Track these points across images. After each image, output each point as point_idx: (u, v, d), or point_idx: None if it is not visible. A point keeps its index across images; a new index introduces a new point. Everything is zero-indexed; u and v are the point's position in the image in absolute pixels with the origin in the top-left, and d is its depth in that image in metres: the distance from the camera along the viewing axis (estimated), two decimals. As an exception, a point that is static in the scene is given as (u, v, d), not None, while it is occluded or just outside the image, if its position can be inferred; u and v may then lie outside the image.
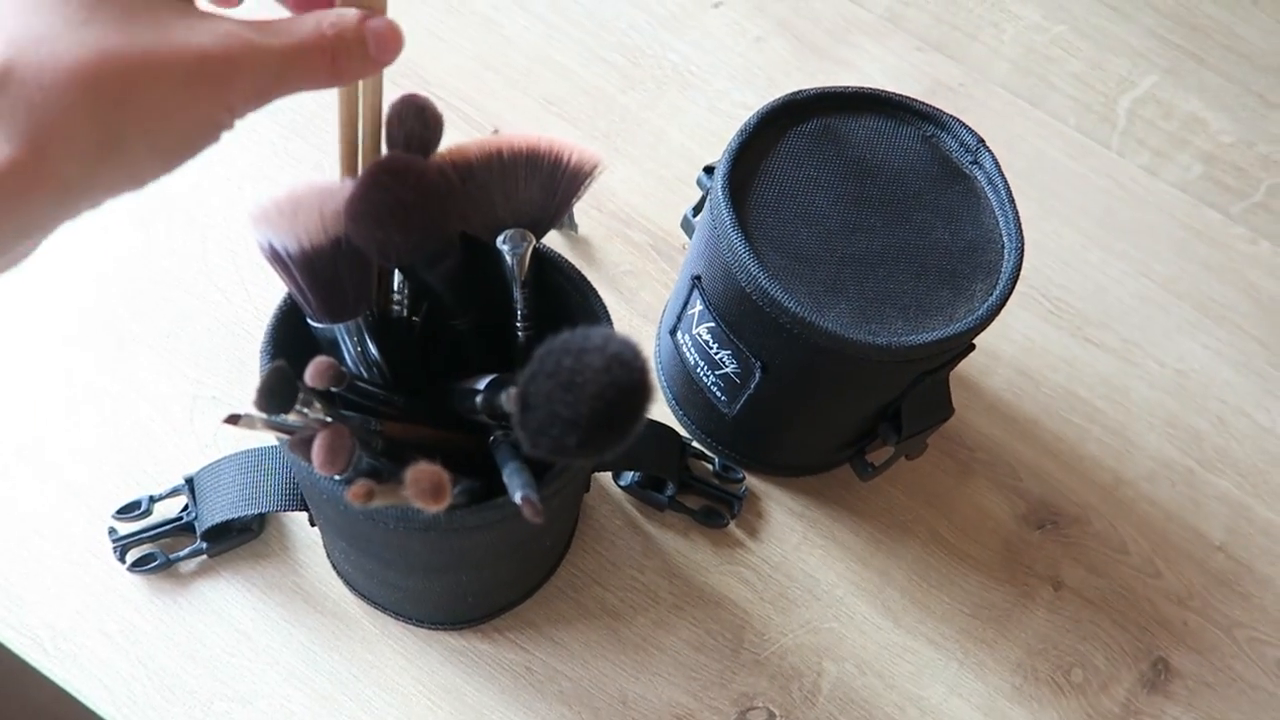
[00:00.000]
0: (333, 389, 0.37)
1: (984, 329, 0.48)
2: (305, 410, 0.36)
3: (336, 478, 0.38)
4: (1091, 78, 0.77)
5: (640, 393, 0.30)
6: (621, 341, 0.30)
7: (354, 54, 0.31)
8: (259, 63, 0.29)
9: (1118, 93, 0.76)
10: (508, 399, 0.32)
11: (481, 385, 0.43)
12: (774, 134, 0.51)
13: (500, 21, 0.74)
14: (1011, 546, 0.61)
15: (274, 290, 0.60)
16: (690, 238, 0.62)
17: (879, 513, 0.61)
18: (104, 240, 0.61)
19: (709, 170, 0.59)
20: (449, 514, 0.38)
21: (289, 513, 0.54)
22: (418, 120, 0.38)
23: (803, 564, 0.58)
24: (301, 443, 0.37)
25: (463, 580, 0.47)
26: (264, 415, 0.35)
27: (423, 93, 0.66)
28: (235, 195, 0.64)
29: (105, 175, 0.27)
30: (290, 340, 0.42)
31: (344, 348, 0.42)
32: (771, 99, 0.64)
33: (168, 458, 0.55)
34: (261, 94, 0.29)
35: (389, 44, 0.31)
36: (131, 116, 0.27)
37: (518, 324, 0.44)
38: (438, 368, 0.46)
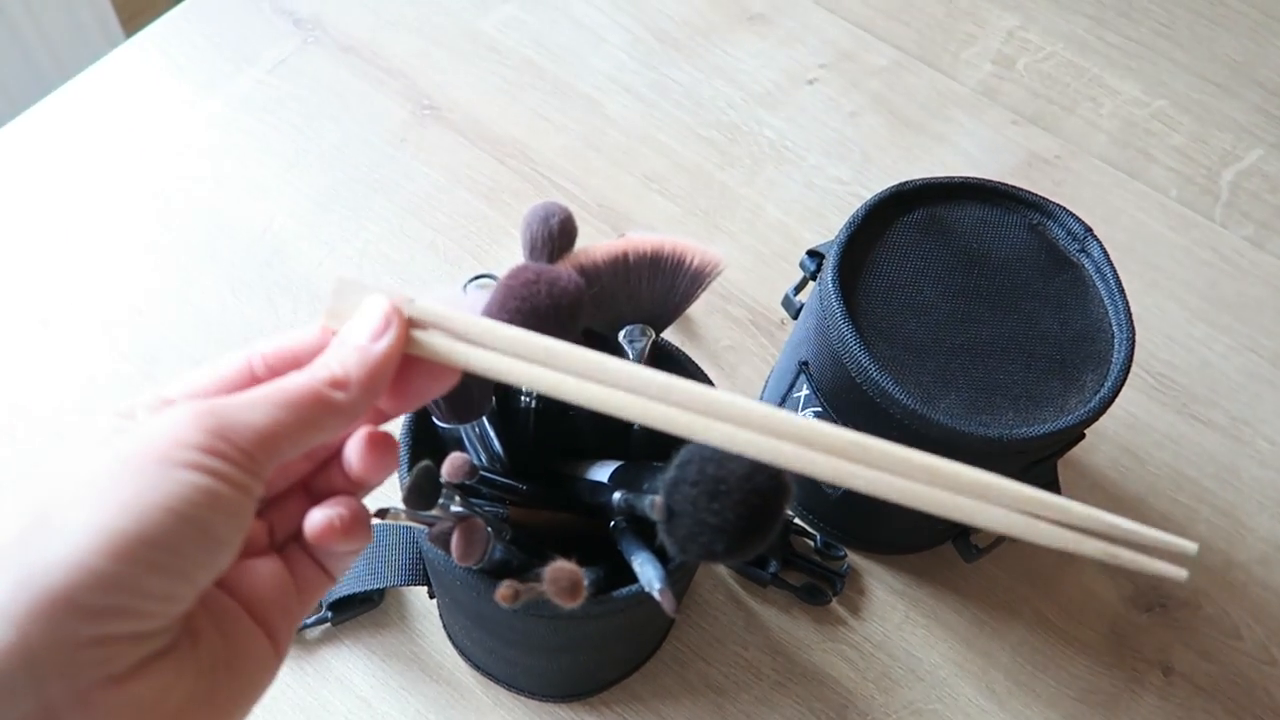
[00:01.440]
0: (465, 481, 0.39)
1: (1096, 420, 0.48)
2: (444, 503, 0.39)
3: (472, 567, 0.40)
4: (1193, 151, 0.76)
5: (782, 497, 0.32)
6: (759, 467, 0.32)
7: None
8: None
9: (1221, 165, 0.76)
10: (651, 508, 0.33)
11: (603, 474, 0.45)
12: (881, 224, 0.52)
13: (603, 102, 0.77)
14: (1119, 630, 0.60)
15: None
16: (791, 316, 0.63)
17: (982, 593, 0.61)
18: (228, 317, 0.65)
19: (812, 254, 0.60)
20: (588, 603, 0.39)
21: (410, 587, 0.56)
22: (554, 227, 0.40)
23: (905, 643, 0.59)
24: (440, 535, 0.40)
25: (580, 659, 0.49)
26: (410, 512, 0.38)
27: (529, 171, 0.69)
28: (343, 269, 0.68)
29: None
30: (422, 438, 0.44)
31: (468, 443, 0.44)
32: (865, 174, 0.65)
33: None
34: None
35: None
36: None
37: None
38: (554, 454, 0.48)
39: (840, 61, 0.82)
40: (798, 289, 0.63)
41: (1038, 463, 0.50)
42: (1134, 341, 0.50)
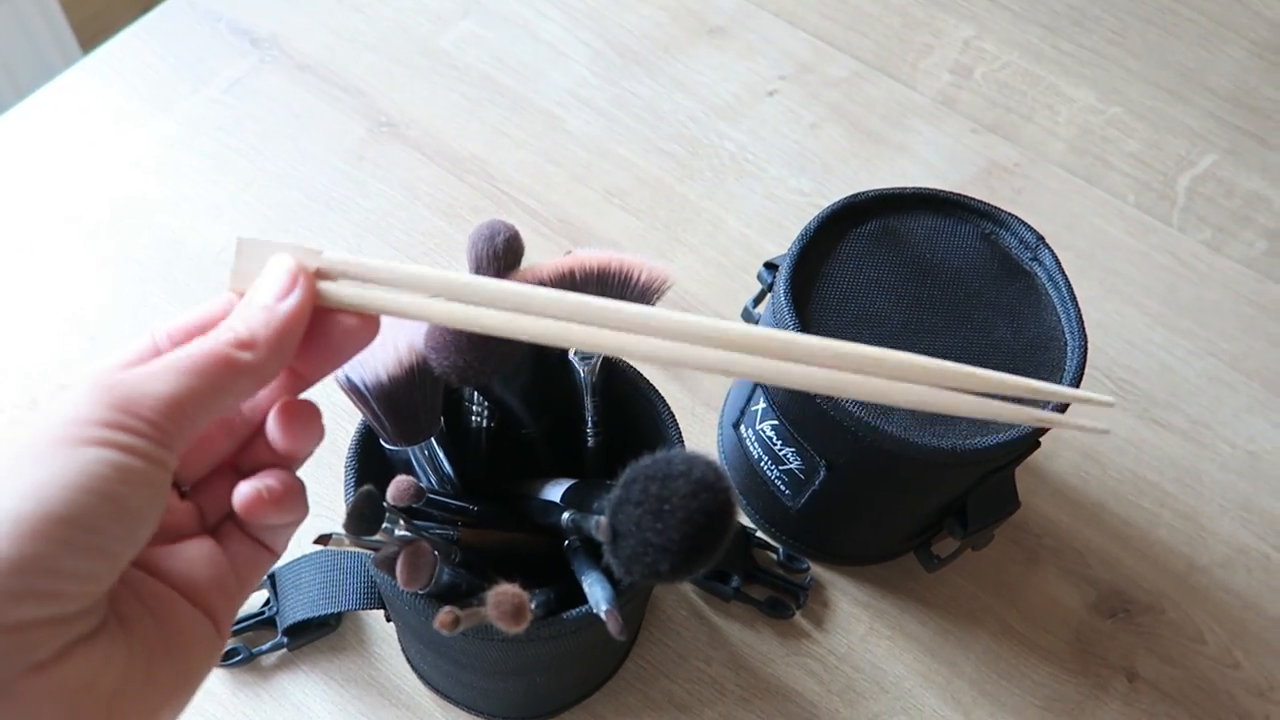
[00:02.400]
0: (411, 504, 0.39)
1: (1049, 429, 0.48)
2: (389, 527, 0.38)
3: (419, 592, 0.39)
4: (1149, 156, 0.77)
5: (727, 515, 0.32)
6: (705, 464, 0.32)
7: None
8: None
9: (1176, 171, 0.76)
10: (597, 528, 0.33)
11: (556, 492, 0.44)
12: (834, 236, 0.52)
13: (563, 117, 0.76)
14: (1083, 636, 0.60)
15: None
16: (751, 328, 0.63)
17: (946, 603, 0.60)
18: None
19: (770, 266, 0.60)
20: (529, 627, 0.39)
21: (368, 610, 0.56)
22: (499, 246, 0.40)
23: (870, 655, 0.58)
24: (386, 560, 0.39)
25: (537, 681, 0.48)
26: (352, 536, 0.37)
27: (488, 187, 0.68)
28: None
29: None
30: (369, 460, 0.44)
31: (417, 465, 0.44)
32: (826, 185, 0.65)
33: (250, 552, 0.58)
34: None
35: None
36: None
37: (588, 430, 0.45)
38: (507, 473, 0.48)
39: (800, 73, 0.82)
40: (756, 301, 0.62)
41: (995, 472, 0.50)
42: (1086, 349, 0.50)
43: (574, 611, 0.40)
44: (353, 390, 0.39)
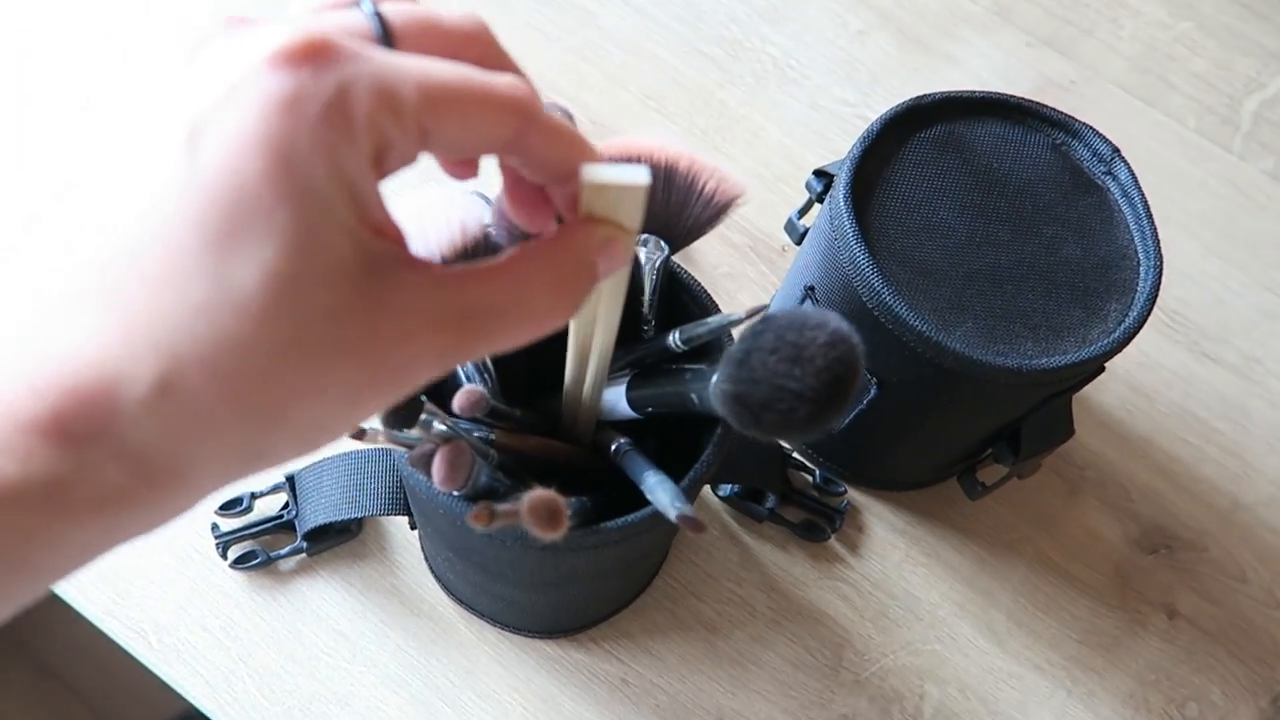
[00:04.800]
0: (477, 415, 0.37)
1: (1119, 352, 0.45)
2: (427, 421, 0.36)
3: (455, 493, 0.37)
4: (1215, 78, 0.73)
5: (859, 368, 0.31)
6: (838, 319, 0.31)
7: (580, 289, 0.26)
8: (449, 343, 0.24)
9: (1244, 94, 0.72)
10: (722, 375, 0.32)
11: (611, 395, 0.42)
12: (897, 141, 0.49)
13: (598, 13, 0.72)
14: (1123, 571, 0.59)
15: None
16: (794, 241, 0.60)
17: (984, 531, 0.59)
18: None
19: (819, 174, 0.57)
20: (570, 535, 0.37)
21: (389, 517, 0.54)
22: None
23: (904, 582, 0.57)
24: (421, 458, 0.37)
25: (569, 595, 0.46)
26: (390, 432, 0.35)
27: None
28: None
29: (242, 476, 0.24)
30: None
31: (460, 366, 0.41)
32: (871, 96, 0.61)
33: (267, 454, 0.55)
34: (449, 364, 0.25)
35: (618, 258, 0.27)
36: (280, 436, 0.23)
37: (645, 327, 0.43)
38: (548, 378, 0.45)
39: (848, -24, 0.77)
40: (802, 212, 0.59)
41: (1055, 395, 0.48)
42: (1161, 270, 0.47)
43: (620, 520, 0.37)
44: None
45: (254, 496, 0.53)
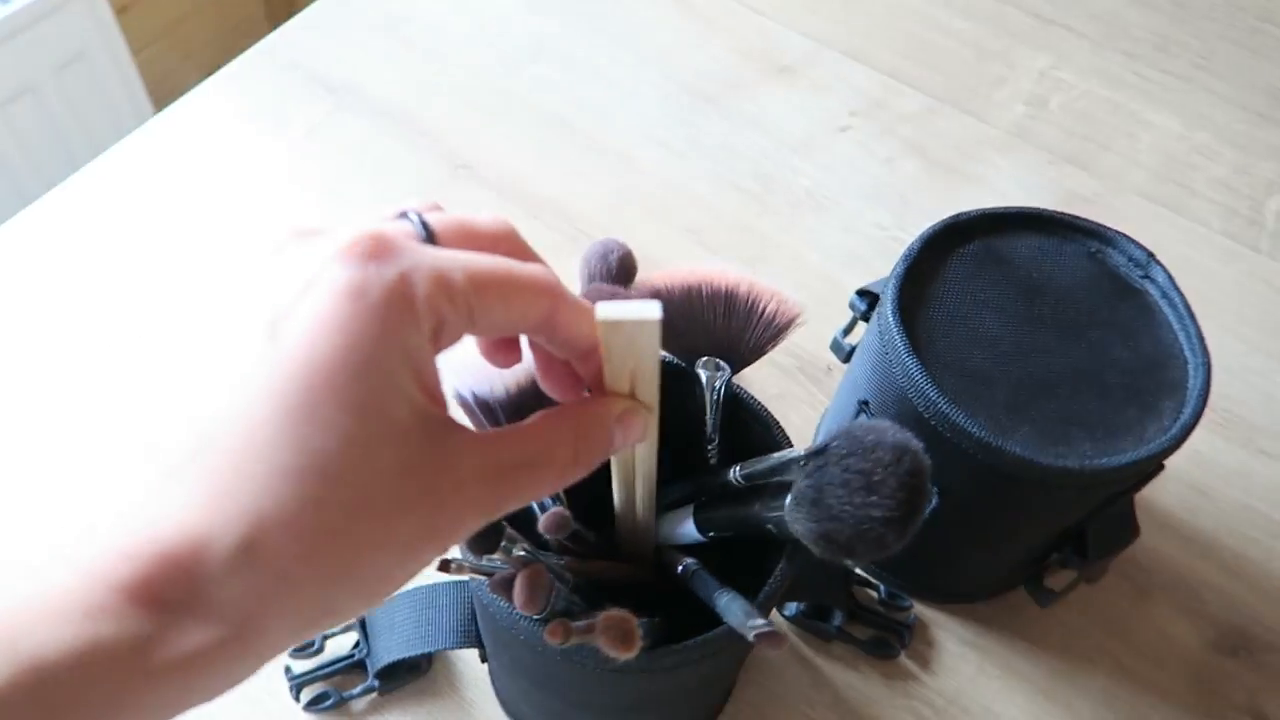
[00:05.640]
0: (559, 537, 0.38)
1: (1178, 448, 0.46)
2: (507, 547, 0.37)
3: (535, 617, 0.38)
4: (1236, 182, 0.75)
5: (927, 472, 0.32)
6: (892, 428, 0.32)
7: (597, 449, 0.30)
8: (494, 497, 0.27)
9: (1265, 195, 0.75)
10: (796, 513, 0.33)
11: (677, 523, 0.43)
12: (937, 257, 0.51)
13: (636, 157, 0.76)
14: (1202, 677, 0.57)
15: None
16: (841, 359, 0.62)
17: (1056, 640, 0.58)
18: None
19: (862, 293, 0.59)
20: (645, 656, 0.37)
21: (458, 654, 0.54)
22: (613, 263, 0.39)
23: (980, 697, 0.56)
24: (501, 583, 0.38)
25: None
26: (472, 560, 0.36)
27: (565, 226, 0.68)
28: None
29: (310, 634, 0.26)
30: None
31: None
32: (904, 218, 0.63)
33: (337, 592, 0.56)
34: (489, 516, 0.28)
35: (634, 431, 0.31)
36: (350, 588, 0.25)
37: (709, 448, 0.44)
38: (607, 491, 0.47)
39: (871, 109, 0.82)
40: (847, 331, 0.61)
41: (1118, 495, 0.48)
42: (1210, 366, 0.48)
43: (697, 639, 0.38)
44: (478, 405, 0.38)
45: (326, 637, 0.54)
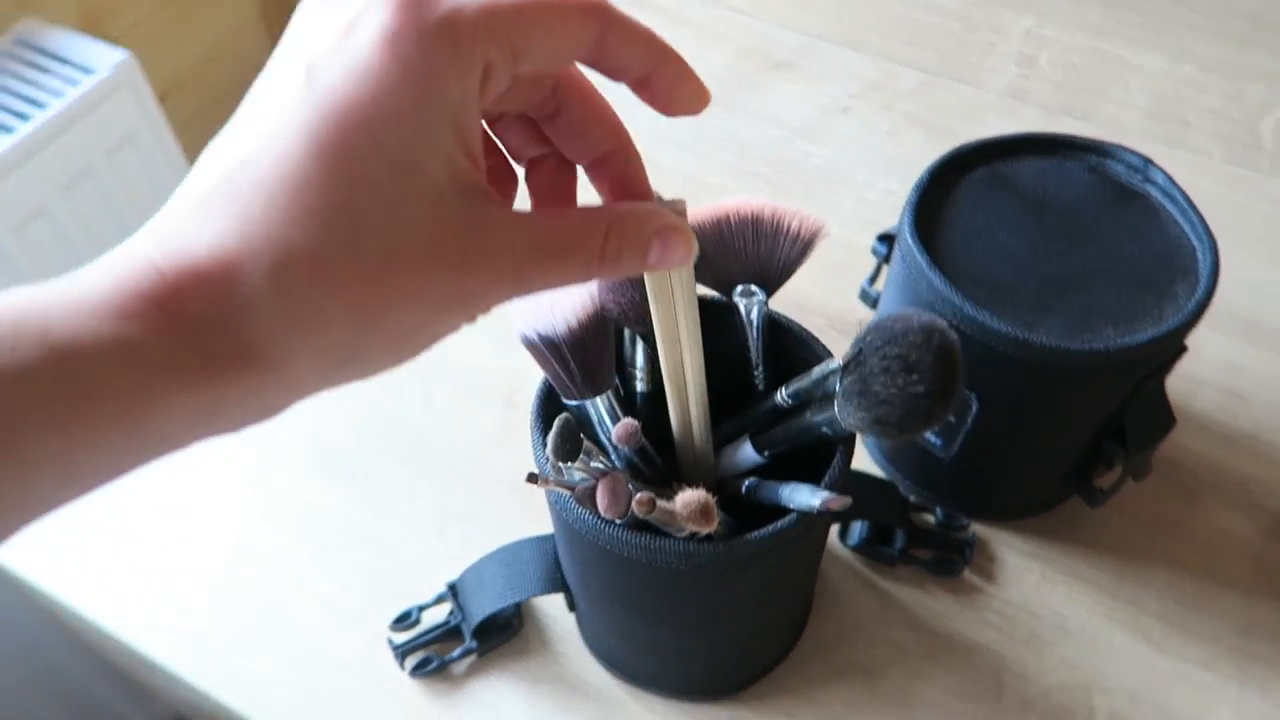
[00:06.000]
0: (625, 447, 0.41)
1: (1195, 324, 0.49)
2: (586, 461, 0.40)
3: (617, 521, 0.41)
4: (1229, 109, 0.79)
5: (955, 341, 0.36)
6: (915, 312, 0.36)
7: (629, 249, 0.29)
8: (529, 268, 0.27)
9: (1259, 117, 0.78)
10: (847, 409, 0.37)
11: (743, 447, 0.46)
12: (946, 187, 0.55)
13: (654, 159, 0.80)
14: (1264, 563, 0.59)
15: (490, 416, 0.66)
16: (870, 307, 0.65)
17: (1114, 545, 0.60)
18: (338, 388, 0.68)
19: (882, 238, 0.62)
20: (724, 547, 0.40)
21: (545, 611, 0.57)
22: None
23: (1046, 602, 0.58)
24: (585, 493, 0.41)
25: (727, 635, 0.49)
26: (558, 462, 0.39)
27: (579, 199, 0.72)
28: (445, 344, 0.71)
29: (337, 380, 0.27)
30: (549, 415, 0.46)
31: (596, 421, 0.46)
32: (914, 180, 0.68)
33: (424, 573, 0.60)
34: (514, 293, 0.28)
35: (673, 252, 0.30)
36: (379, 338, 0.26)
37: (755, 372, 0.47)
38: (666, 432, 0.50)
39: (869, 91, 0.86)
40: (873, 279, 0.65)
41: (1146, 379, 0.51)
42: (1217, 249, 0.51)
43: (770, 526, 0.41)
44: (544, 342, 0.42)
45: (421, 609, 0.57)
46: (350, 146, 0.24)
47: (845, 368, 0.39)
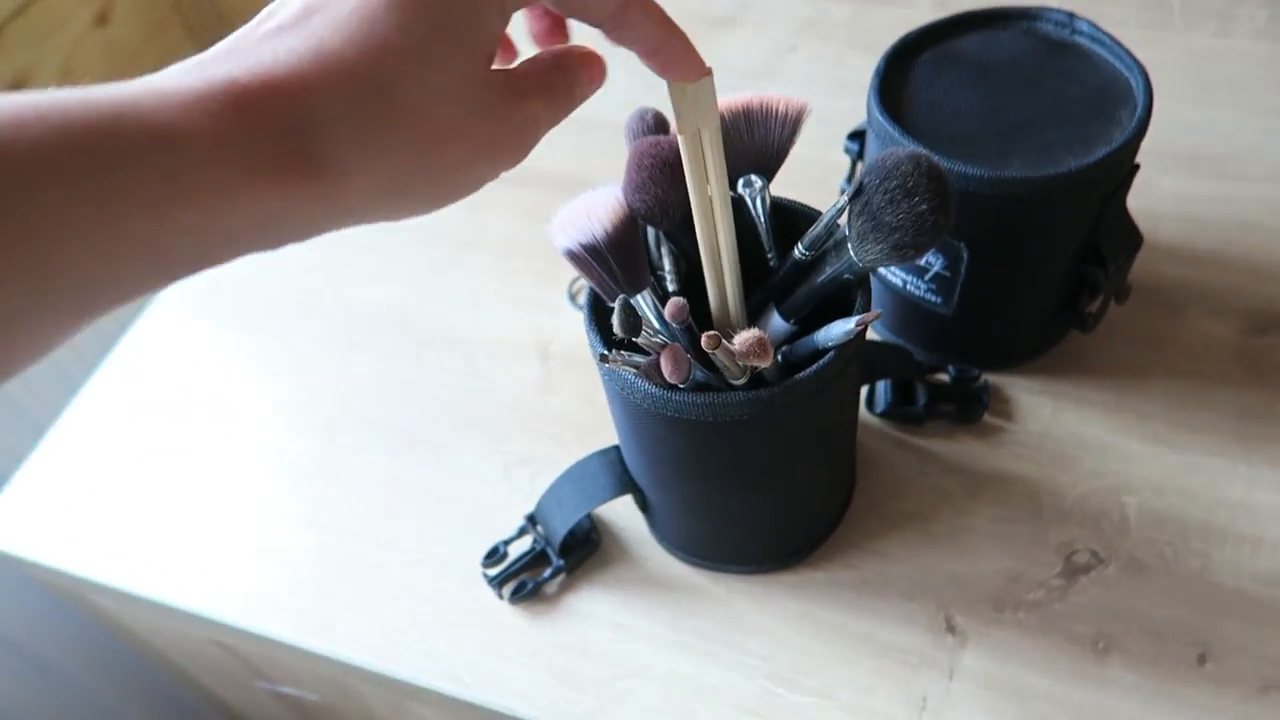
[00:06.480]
0: (676, 324, 0.47)
1: (1141, 140, 0.55)
2: (648, 336, 0.46)
3: (681, 386, 0.47)
4: (1134, -22, 0.86)
5: (935, 162, 0.42)
6: (903, 148, 0.42)
7: (575, 97, 0.37)
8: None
9: (1163, -20, 0.85)
10: (862, 245, 0.43)
11: (771, 318, 0.52)
12: (902, 70, 0.61)
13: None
14: (1247, 355, 0.65)
15: (530, 370, 0.71)
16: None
17: (1113, 367, 0.66)
18: (388, 371, 0.73)
19: (852, 136, 0.69)
20: (785, 385, 0.46)
21: (619, 525, 0.63)
22: (649, 121, 0.50)
23: (1064, 427, 0.64)
24: (650, 367, 0.47)
25: (787, 498, 0.54)
26: (623, 339, 0.45)
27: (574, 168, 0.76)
28: (470, 314, 0.76)
29: (383, 210, 0.30)
30: (599, 315, 0.51)
31: (641, 315, 0.51)
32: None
33: (501, 516, 0.65)
34: (535, 138, 0.35)
35: (598, 78, 0.38)
36: (428, 172, 0.30)
37: (769, 256, 0.53)
38: (701, 323, 0.56)
39: (808, 28, 0.93)
40: (849, 178, 0.71)
41: (1109, 199, 0.57)
42: (1148, 75, 0.57)
43: (814, 365, 0.46)
44: (586, 250, 0.47)
45: (505, 544, 0.62)
46: (413, 25, 0.28)
47: (852, 205, 0.45)
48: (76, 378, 0.80)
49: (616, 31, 0.35)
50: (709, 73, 0.39)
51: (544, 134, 0.35)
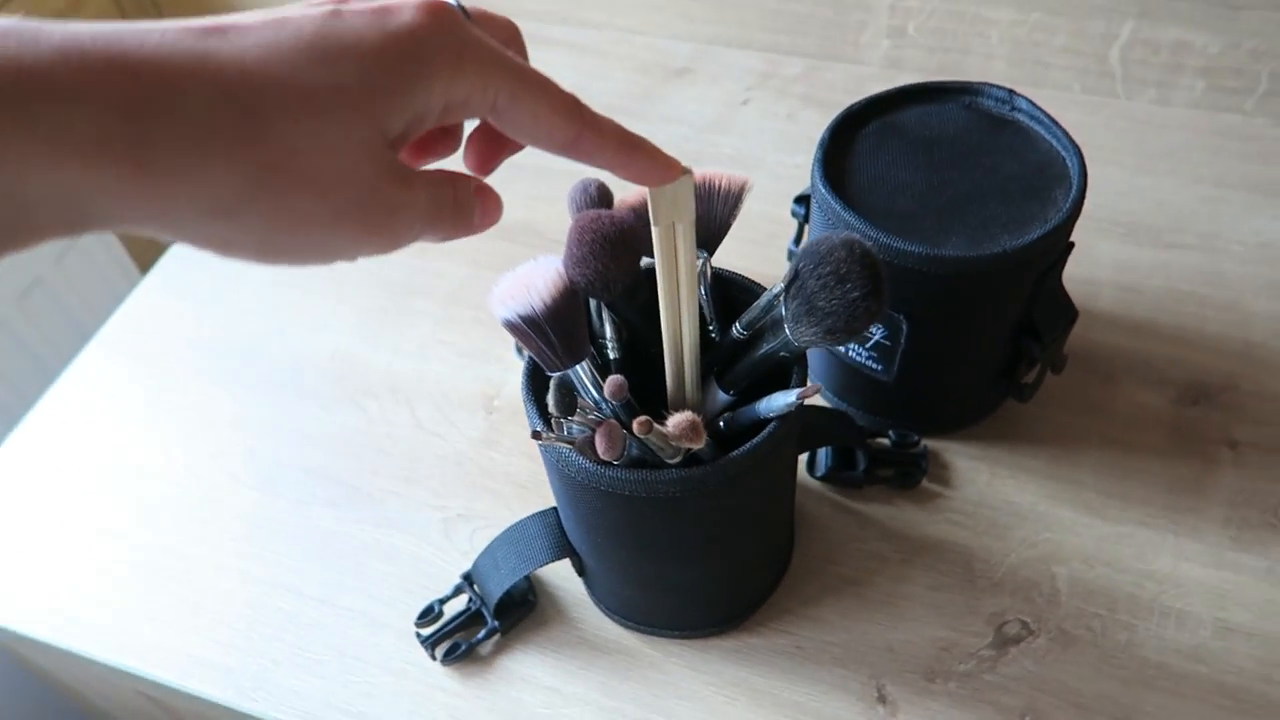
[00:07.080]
0: (615, 401, 0.47)
1: (1075, 221, 0.56)
2: (583, 414, 0.46)
3: (615, 463, 0.47)
4: (1077, 45, 0.88)
5: (872, 252, 0.43)
6: (837, 234, 0.42)
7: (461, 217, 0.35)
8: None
9: (1105, 48, 0.87)
10: (798, 328, 0.43)
11: (711, 391, 0.52)
12: (845, 142, 0.62)
13: (581, 169, 0.87)
14: (1178, 426, 0.66)
15: (474, 422, 0.71)
16: (800, 266, 0.72)
17: (1049, 435, 0.67)
18: (330, 420, 0.73)
19: (799, 200, 0.69)
20: (714, 467, 0.46)
21: (556, 585, 0.62)
22: (593, 193, 0.50)
23: (999, 495, 0.64)
24: (584, 443, 0.46)
25: (723, 561, 0.54)
26: (556, 419, 0.45)
27: (540, 241, 0.78)
28: (415, 364, 0.76)
29: (213, 239, 0.29)
30: (538, 385, 0.51)
31: (579, 386, 0.51)
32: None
33: (439, 572, 0.64)
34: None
35: (492, 215, 0.37)
36: (259, 207, 0.28)
37: (710, 327, 0.53)
38: (636, 395, 0.56)
39: (763, 82, 0.94)
40: (797, 239, 0.71)
41: (1045, 275, 0.58)
42: (1083, 157, 0.58)
43: (751, 442, 0.47)
44: (525, 321, 0.47)
45: (441, 603, 0.62)
46: (336, 75, 0.28)
47: (787, 291, 0.45)
48: (0, 428, 0.78)
49: (575, 157, 0.35)
50: (687, 172, 0.39)
51: (419, 232, 0.33)
